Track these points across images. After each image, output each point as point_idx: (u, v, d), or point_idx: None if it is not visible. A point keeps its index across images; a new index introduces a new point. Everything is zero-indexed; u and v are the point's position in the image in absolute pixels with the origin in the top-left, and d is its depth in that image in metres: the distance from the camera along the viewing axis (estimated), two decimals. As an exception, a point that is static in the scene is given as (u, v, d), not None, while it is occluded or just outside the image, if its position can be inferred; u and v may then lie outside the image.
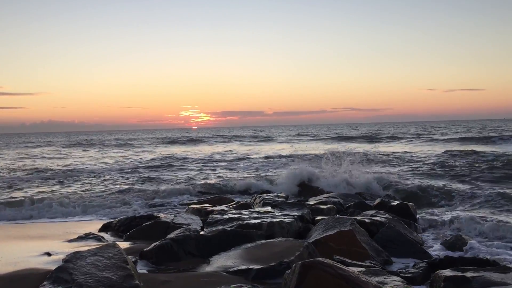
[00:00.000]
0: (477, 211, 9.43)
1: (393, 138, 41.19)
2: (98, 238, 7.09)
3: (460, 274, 4.38)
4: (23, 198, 11.76)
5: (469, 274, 4.36)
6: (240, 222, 6.83)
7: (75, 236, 7.25)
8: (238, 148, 36.28)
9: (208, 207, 9.04)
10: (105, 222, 8.55)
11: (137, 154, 32.37)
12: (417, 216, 8.76)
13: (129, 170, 20.02)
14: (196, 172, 18.57)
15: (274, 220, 6.92)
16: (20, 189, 14.45)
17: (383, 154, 23.25)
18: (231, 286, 4.27)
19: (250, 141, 49.16)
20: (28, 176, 18.35)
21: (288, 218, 7.11)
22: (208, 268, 5.30)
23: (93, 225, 8.68)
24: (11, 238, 7.42)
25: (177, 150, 35.48)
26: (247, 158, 25.28)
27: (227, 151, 32.58)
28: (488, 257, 5.56)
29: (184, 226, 7.02)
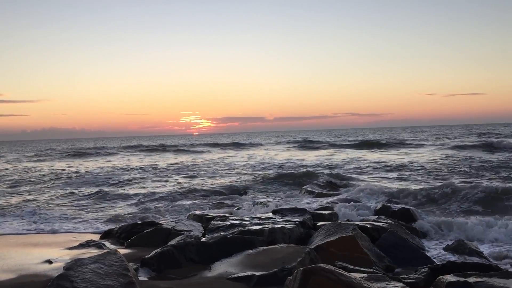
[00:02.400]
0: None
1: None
2: (99, 246, 7.07)
3: (462, 279, 4.34)
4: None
5: (471, 280, 4.33)
6: (242, 228, 6.81)
7: (76, 244, 7.24)
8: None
9: (209, 214, 9.03)
10: (106, 229, 8.54)
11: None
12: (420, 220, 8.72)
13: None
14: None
15: (276, 226, 6.90)
16: None
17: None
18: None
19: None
20: None
21: (289, 224, 7.10)
22: (209, 275, 5.29)
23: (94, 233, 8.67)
24: (13, 246, 7.41)
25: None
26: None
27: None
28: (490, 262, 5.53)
29: (185, 232, 7.00)
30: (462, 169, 17.84)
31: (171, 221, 8.09)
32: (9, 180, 20.60)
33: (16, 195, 15.29)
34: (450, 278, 4.46)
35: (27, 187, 17.49)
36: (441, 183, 12.88)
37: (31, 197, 14.47)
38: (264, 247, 5.97)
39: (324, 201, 11.08)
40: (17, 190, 16.58)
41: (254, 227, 6.86)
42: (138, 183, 17.95)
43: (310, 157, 28.38)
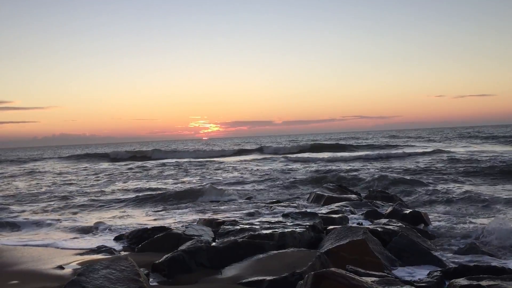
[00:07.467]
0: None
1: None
2: (110, 251, 7.11)
3: (475, 283, 4.30)
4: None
5: (484, 283, 4.29)
6: (252, 233, 6.81)
7: (87, 249, 7.28)
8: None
9: (219, 218, 9.04)
10: (116, 234, 8.58)
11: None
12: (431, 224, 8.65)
13: None
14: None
15: (286, 230, 6.89)
16: None
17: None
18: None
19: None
20: None
21: (300, 228, 7.07)
22: (220, 280, 5.29)
23: (105, 238, 8.71)
24: (24, 251, 7.47)
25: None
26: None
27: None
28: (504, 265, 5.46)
29: (195, 237, 7.01)
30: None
31: (181, 226, 8.11)
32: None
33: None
34: (462, 281, 4.42)
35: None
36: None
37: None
38: (275, 252, 5.95)
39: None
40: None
41: (264, 231, 6.84)
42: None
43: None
